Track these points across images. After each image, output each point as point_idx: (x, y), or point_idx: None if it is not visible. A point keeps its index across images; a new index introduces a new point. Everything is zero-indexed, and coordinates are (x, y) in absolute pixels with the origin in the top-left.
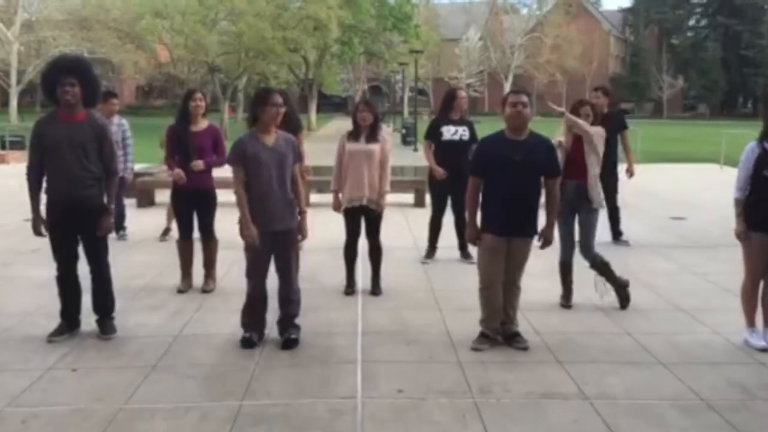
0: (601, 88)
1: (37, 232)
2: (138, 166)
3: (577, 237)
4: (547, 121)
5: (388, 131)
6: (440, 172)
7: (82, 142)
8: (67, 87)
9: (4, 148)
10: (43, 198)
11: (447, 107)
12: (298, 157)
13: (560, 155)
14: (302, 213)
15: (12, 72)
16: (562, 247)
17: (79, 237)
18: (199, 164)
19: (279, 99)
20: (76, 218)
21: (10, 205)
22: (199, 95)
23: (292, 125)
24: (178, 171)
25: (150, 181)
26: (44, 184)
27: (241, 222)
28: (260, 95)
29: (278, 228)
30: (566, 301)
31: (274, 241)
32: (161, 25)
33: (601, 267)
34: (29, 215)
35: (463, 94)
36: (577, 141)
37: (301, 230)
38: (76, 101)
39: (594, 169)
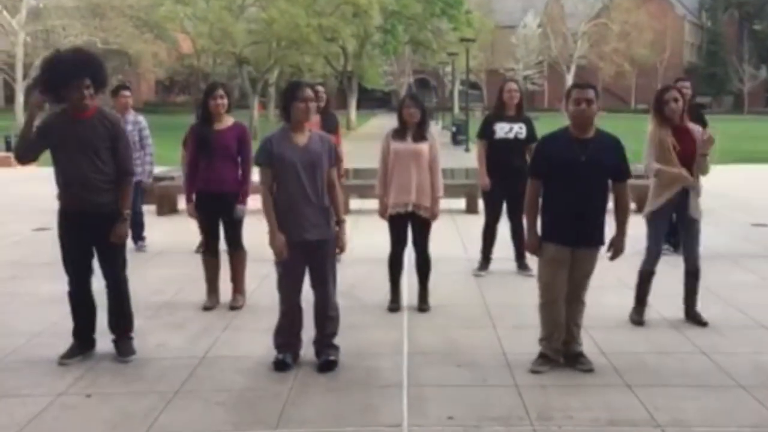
0: (688, 79)
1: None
2: (158, 170)
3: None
4: (613, 117)
5: (435, 129)
6: (486, 182)
7: (93, 141)
8: (84, 91)
9: (9, 149)
10: (55, 205)
11: (500, 101)
12: (335, 158)
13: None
14: (340, 222)
15: (18, 65)
16: (648, 254)
17: (93, 248)
18: (242, 210)
19: (309, 93)
20: (90, 227)
21: (19, 213)
22: (219, 92)
23: (329, 123)
24: (190, 206)
25: (171, 186)
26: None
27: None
28: (288, 89)
29: (312, 237)
30: (639, 316)
31: (308, 253)
32: (183, 12)
33: (648, 279)
34: (40, 225)
35: (512, 86)
36: (681, 139)
37: (338, 242)
38: (91, 101)
39: (704, 169)
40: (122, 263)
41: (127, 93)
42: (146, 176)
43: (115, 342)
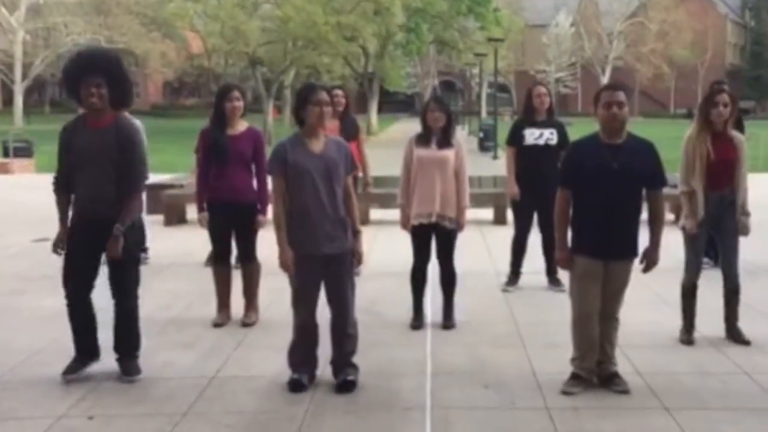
0: (726, 82)
1: (55, 250)
2: (166, 177)
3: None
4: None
5: (462, 135)
6: (515, 191)
7: (108, 152)
8: (93, 88)
9: (7, 155)
10: (56, 214)
11: (529, 106)
12: (352, 166)
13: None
14: (356, 233)
15: (16, 65)
16: (687, 267)
17: (99, 261)
18: (262, 221)
19: (323, 96)
20: (100, 240)
21: (18, 224)
22: (236, 94)
23: (349, 128)
24: (202, 216)
25: (180, 195)
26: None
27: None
28: (301, 92)
29: (328, 251)
30: (688, 335)
31: (325, 266)
32: (193, 9)
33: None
34: (39, 235)
35: (541, 89)
36: (721, 145)
37: (354, 254)
38: (103, 105)
39: (745, 182)
40: (132, 281)
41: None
42: None
43: (120, 361)
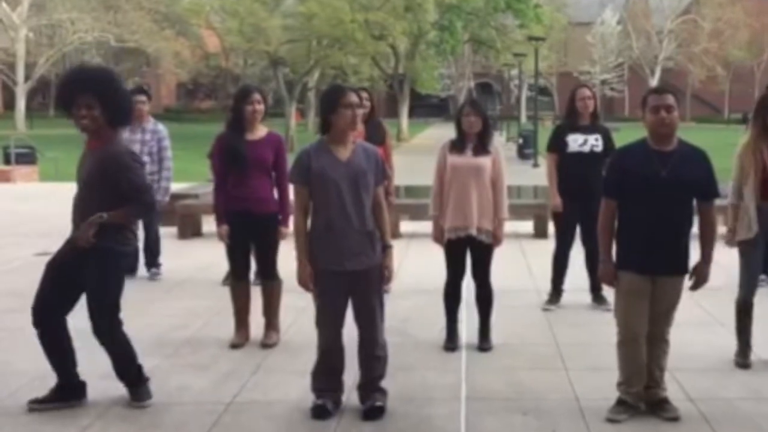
0: None
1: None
2: (179, 186)
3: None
4: (703, 128)
5: (500, 141)
6: (556, 202)
7: (90, 176)
8: (84, 110)
9: (9, 162)
10: (59, 225)
11: (572, 110)
12: (382, 174)
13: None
14: (386, 248)
15: (19, 65)
16: (742, 284)
17: (72, 288)
18: (284, 233)
19: (354, 98)
20: (78, 258)
21: (19, 236)
22: (256, 96)
23: (377, 133)
24: (222, 230)
25: (195, 205)
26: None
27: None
28: (330, 94)
29: (354, 266)
30: (743, 357)
31: (351, 284)
32: (209, 5)
33: (746, 312)
34: (42, 249)
35: (585, 92)
36: None
37: (384, 271)
38: (96, 126)
39: None
40: (103, 310)
41: (142, 98)
42: (162, 194)
43: (128, 385)
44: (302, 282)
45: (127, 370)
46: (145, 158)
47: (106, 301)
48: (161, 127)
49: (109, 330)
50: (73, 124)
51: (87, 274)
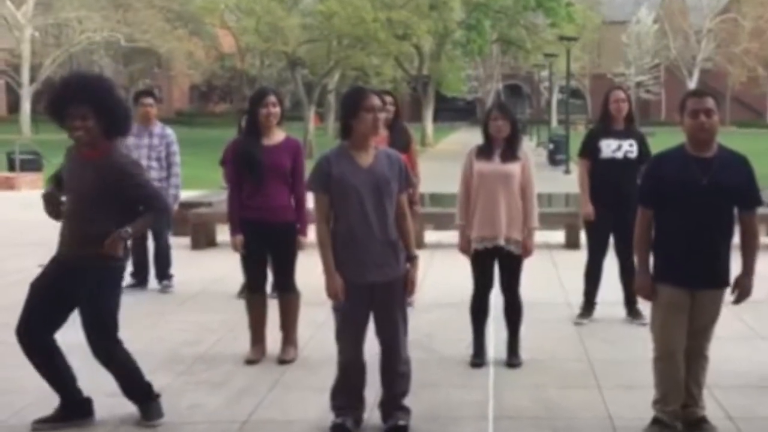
0: None
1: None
2: (192, 193)
3: None
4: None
5: (529, 147)
6: (589, 211)
7: (90, 188)
8: (78, 121)
9: (13, 169)
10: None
11: (606, 113)
12: (406, 182)
13: None
14: (411, 259)
15: (24, 66)
16: None
17: (63, 305)
18: (303, 242)
19: (376, 101)
20: (68, 275)
21: (22, 246)
22: (272, 98)
23: (401, 139)
24: (237, 240)
25: (208, 214)
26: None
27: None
28: (351, 97)
29: (377, 279)
30: None
31: (373, 296)
32: (224, 3)
33: None
34: (46, 260)
35: (619, 94)
36: None
37: (407, 283)
38: (90, 138)
39: None
40: (101, 328)
41: (149, 101)
42: (170, 202)
43: (138, 403)
44: (332, 293)
45: (133, 389)
46: (153, 164)
47: (103, 319)
48: (169, 131)
49: (106, 348)
50: (67, 134)
51: (81, 291)
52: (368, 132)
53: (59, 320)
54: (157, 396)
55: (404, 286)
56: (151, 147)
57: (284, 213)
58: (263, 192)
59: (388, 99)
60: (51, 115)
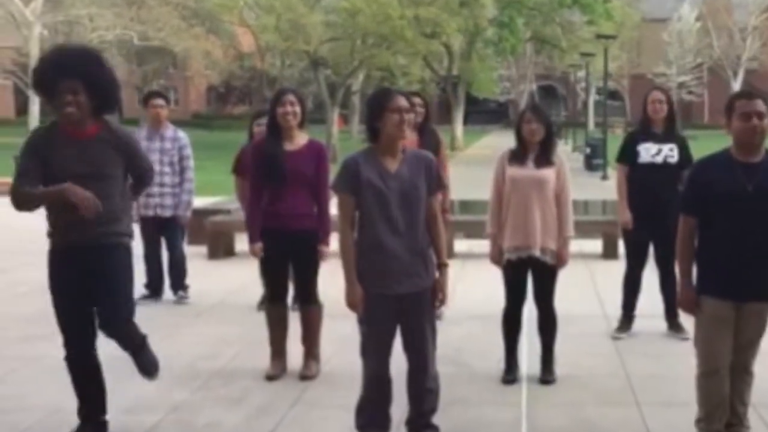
0: None
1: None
2: (210, 200)
3: None
4: None
5: (564, 151)
6: (627, 218)
7: (100, 165)
8: (68, 96)
9: None
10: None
11: (645, 116)
12: (437, 183)
13: None
14: (441, 267)
15: (32, 66)
16: None
17: (90, 293)
18: (325, 252)
19: (402, 102)
20: (83, 262)
21: (30, 255)
22: (290, 97)
23: (429, 142)
24: (256, 247)
25: (227, 222)
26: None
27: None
28: (375, 98)
29: (404, 289)
30: None
31: (400, 308)
32: (243, 0)
33: None
34: None
35: (658, 95)
36: None
37: (437, 293)
38: (81, 114)
39: None
40: (121, 306)
41: (159, 102)
42: (183, 209)
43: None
44: (351, 303)
45: (134, 345)
46: (166, 168)
47: (125, 296)
48: (182, 134)
49: (129, 321)
50: (56, 111)
51: (104, 270)
52: (394, 134)
53: (93, 323)
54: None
55: (433, 296)
56: (163, 151)
57: (306, 220)
58: (284, 199)
59: (417, 101)
60: (38, 90)
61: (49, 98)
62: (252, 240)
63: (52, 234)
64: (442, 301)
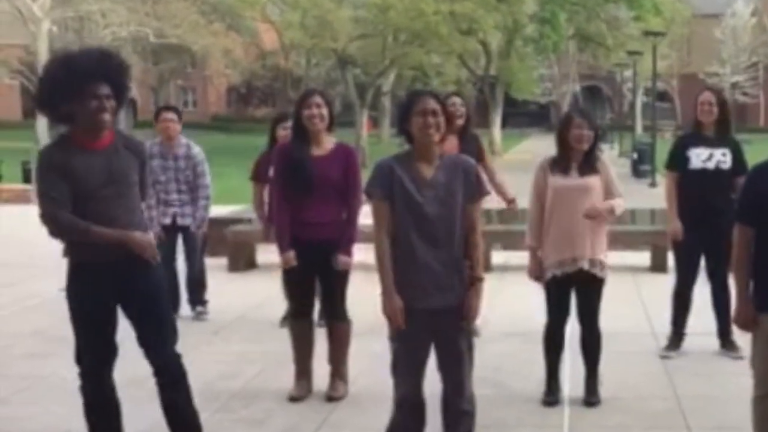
0: None
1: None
2: (230, 209)
3: None
4: None
5: (609, 156)
6: (677, 229)
7: (125, 174)
8: (105, 101)
9: (28, 180)
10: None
11: (696, 119)
12: (477, 188)
13: None
14: (475, 281)
15: (40, 65)
16: None
17: (117, 315)
18: (345, 263)
19: (430, 104)
20: (116, 277)
21: (40, 267)
22: (316, 99)
23: (470, 147)
24: (289, 256)
25: (248, 232)
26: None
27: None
28: (405, 100)
29: (436, 304)
30: None
31: (434, 324)
32: None
33: None
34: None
35: (708, 97)
36: None
37: (467, 308)
38: (112, 122)
39: None
40: (172, 330)
41: (170, 116)
42: (196, 225)
43: None
44: (392, 314)
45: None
46: (183, 187)
47: (170, 318)
48: (196, 151)
49: (175, 348)
50: (64, 118)
51: (138, 292)
52: (420, 138)
53: (114, 338)
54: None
55: (463, 312)
56: (178, 170)
57: (334, 230)
58: (311, 207)
59: (458, 101)
60: (55, 95)
61: (69, 103)
62: (283, 249)
63: (76, 248)
64: (472, 319)
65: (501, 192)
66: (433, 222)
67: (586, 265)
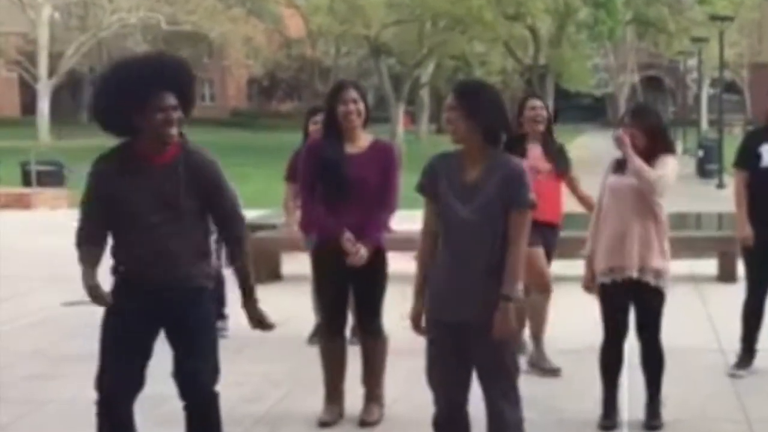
0: None
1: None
2: (252, 214)
3: None
4: None
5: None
6: (747, 234)
7: (177, 198)
8: (172, 113)
9: (28, 183)
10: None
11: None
12: (522, 196)
13: None
14: (503, 299)
15: (41, 56)
16: None
17: (153, 343)
18: (362, 256)
19: (449, 100)
20: (163, 306)
21: (42, 279)
22: (352, 94)
23: (563, 158)
24: (358, 249)
25: (271, 239)
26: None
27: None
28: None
29: (462, 318)
30: None
31: (472, 339)
32: None
33: None
34: (71, 296)
35: None
36: None
37: (496, 324)
38: (179, 133)
39: None
40: (213, 365)
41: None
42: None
43: None
44: (413, 321)
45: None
46: None
47: (214, 356)
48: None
49: (213, 390)
50: (127, 129)
51: (184, 323)
52: (455, 139)
53: (145, 365)
54: None
55: (497, 324)
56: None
57: (371, 235)
58: (346, 209)
59: (538, 103)
60: (118, 105)
61: (132, 113)
62: (339, 232)
63: (122, 268)
64: (499, 342)
65: (588, 205)
66: (466, 230)
67: (635, 274)
